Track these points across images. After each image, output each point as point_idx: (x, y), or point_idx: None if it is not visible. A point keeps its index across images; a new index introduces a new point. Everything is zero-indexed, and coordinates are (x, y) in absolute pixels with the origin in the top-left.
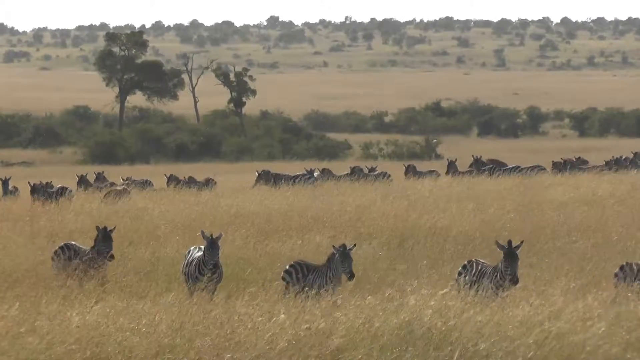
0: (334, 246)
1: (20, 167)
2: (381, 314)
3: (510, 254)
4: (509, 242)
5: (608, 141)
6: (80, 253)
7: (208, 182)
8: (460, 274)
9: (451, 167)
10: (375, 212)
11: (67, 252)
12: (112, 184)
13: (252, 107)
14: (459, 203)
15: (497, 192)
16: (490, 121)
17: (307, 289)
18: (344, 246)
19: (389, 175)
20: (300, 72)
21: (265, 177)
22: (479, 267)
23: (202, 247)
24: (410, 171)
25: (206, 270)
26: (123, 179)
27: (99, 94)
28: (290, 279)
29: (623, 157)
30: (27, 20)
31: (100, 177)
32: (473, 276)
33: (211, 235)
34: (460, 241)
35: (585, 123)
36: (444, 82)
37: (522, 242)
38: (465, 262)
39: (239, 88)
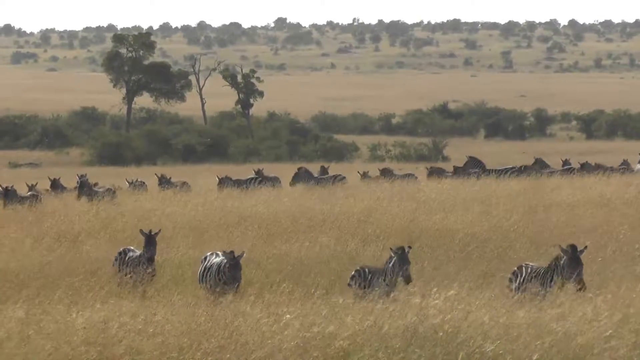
0: (391, 248)
1: (28, 168)
2: (387, 315)
3: (576, 258)
4: (574, 247)
5: (615, 143)
6: (132, 257)
7: (183, 185)
8: (511, 280)
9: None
10: (382, 214)
11: (122, 256)
12: (96, 184)
13: (259, 108)
14: (465, 205)
15: (505, 193)
16: (497, 123)
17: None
18: (402, 249)
19: (416, 177)
20: (307, 74)
21: (227, 182)
22: (529, 270)
23: (219, 252)
24: (386, 174)
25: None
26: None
27: (106, 95)
28: (354, 283)
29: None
30: (35, 21)
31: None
32: (525, 280)
33: (233, 253)
34: (467, 243)
35: (592, 125)
36: (451, 84)
37: (585, 246)
38: (515, 268)
39: (246, 89)
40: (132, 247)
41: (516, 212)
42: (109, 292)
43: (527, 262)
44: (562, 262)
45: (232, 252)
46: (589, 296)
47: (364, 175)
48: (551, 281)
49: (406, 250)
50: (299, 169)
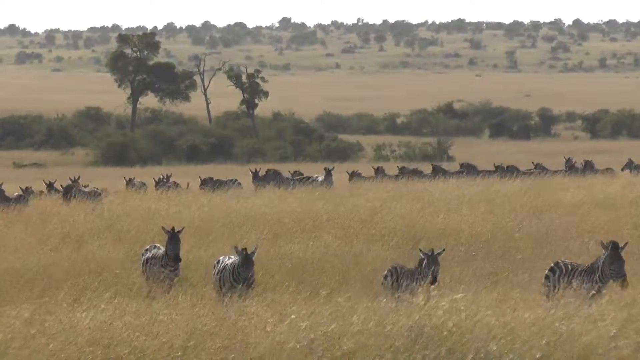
0: (420, 250)
1: (32, 168)
2: (392, 315)
3: (617, 255)
4: (615, 243)
5: (620, 143)
6: (156, 255)
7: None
8: (548, 277)
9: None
10: (386, 214)
11: (147, 254)
12: (86, 186)
13: (264, 108)
14: (470, 205)
15: (509, 193)
16: (502, 123)
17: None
18: (432, 251)
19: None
20: (312, 74)
21: (210, 183)
22: (569, 268)
23: (232, 255)
24: (355, 176)
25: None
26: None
27: (111, 96)
28: (387, 282)
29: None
30: (39, 21)
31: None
32: (563, 277)
33: (245, 250)
34: (472, 243)
35: (597, 125)
36: (456, 84)
37: (626, 243)
38: (552, 265)
39: (251, 90)
40: (157, 244)
41: (521, 212)
42: (113, 292)
43: (562, 259)
44: (602, 259)
45: (244, 249)
46: (590, 294)
47: (353, 175)
48: (600, 279)
49: (436, 253)
50: (267, 170)
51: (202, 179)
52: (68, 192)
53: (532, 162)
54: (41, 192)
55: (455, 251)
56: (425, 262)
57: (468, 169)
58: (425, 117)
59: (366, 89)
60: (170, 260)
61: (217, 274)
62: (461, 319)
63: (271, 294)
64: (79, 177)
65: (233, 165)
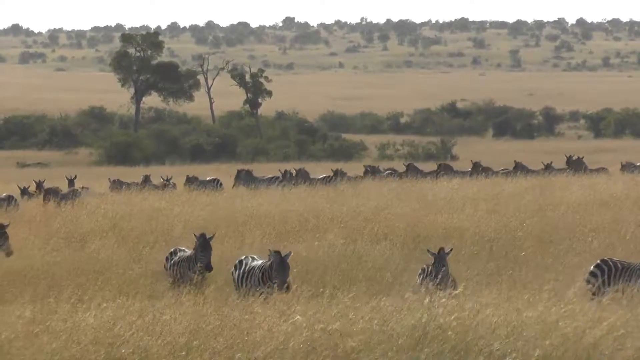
0: (428, 250)
1: (36, 168)
2: (396, 314)
3: None
4: None
5: (623, 142)
6: (182, 257)
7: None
8: (595, 275)
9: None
10: (391, 213)
11: (172, 256)
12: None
13: (267, 108)
14: (474, 204)
15: (513, 192)
16: (505, 122)
17: None
18: (442, 248)
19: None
20: (315, 73)
21: (194, 182)
22: (621, 266)
23: (254, 256)
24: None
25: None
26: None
27: (114, 95)
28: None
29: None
30: (43, 21)
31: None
32: (614, 276)
33: (279, 253)
34: (476, 242)
35: (600, 124)
36: (460, 83)
37: None
38: (599, 262)
39: (255, 89)
40: (182, 247)
41: (524, 211)
42: (117, 292)
43: (610, 257)
44: None
45: (278, 252)
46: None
47: (336, 175)
48: None
49: (444, 252)
50: (239, 171)
51: (188, 177)
52: (49, 193)
53: (542, 162)
54: (35, 191)
55: (459, 250)
56: (433, 262)
57: (445, 170)
58: (429, 116)
59: (370, 88)
60: (202, 268)
61: (244, 275)
62: (465, 317)
63: (275, 294)
64: (75, 177)
65: (237, 164)
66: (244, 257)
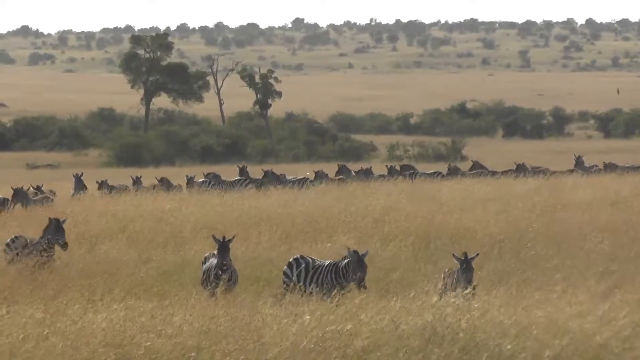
0: (454, 254)
1: (46, 169)
2: (406, 314)
3: None
4: None
5: (633, 142)
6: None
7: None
8: None
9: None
10: (400, 214)
11: (205, 262)
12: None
13: (277, 109)
14: (484, 204)
15: (523, 193)
16: (515, 122)
17: None
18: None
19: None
20: (325, 74)
21: (166, 184)
22: None
23: (310, 257)
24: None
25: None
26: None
27: (124, 96)
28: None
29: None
30: (52, 22)
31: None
32: None
33: (357, 252)
34: (486, 242)
35: (610, 124)
36: (469, 83)
37: None
38: None
39: (264, 90)
40: (214, 252)
41: (533, 211)
42: (127, 293)
43: None
44: None
45: (356, 251)
46: (604, 293)
47: (317, 177)
48: None
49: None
50: (206, 174)
51: (159, 178)
52: (18, 196)
53: (515, 163)
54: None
55: (468, 251)
56: (460, 267)
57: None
58: (439, 117)
59: (379, 88)
60: (219, 270)
61: (313, 273)
62: (474, 318)
63: (287, 295)
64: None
65: (247, 165)
66: (298, 256)
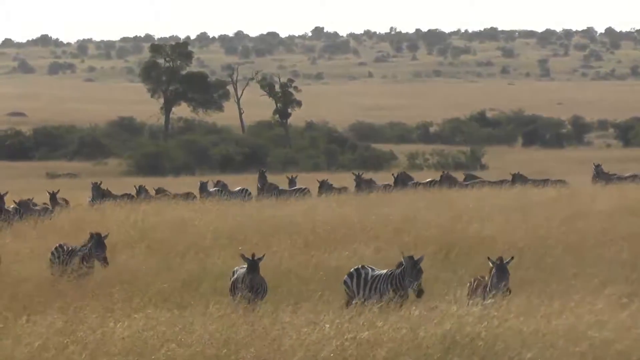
0: (489, 258)
1: (66, 178)
2: (425, 323)
3: None
4: None
5: None
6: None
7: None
8: None
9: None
10: (420, 223)
11: (232, 275)
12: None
13: (297, 118)
14: (503, 213)
15: (543, 202)
16: (534, 131)
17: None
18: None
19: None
20: (345, 83)
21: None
22: None
23: (372, 266)
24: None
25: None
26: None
27: (144, 106)
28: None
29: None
30: (72, 31)
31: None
32: None
33: (412, 257)
34: (506, 251)
35: (629, 133)
36: (489, 92)
37: None
38: None
39: (284, 99)
40: (244, 265)
41: (553, 220)
42: (147, 302)
43: None
44: None
45: (411, 256)
46: (624, 301)
47: (322, 186)
48: None
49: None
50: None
51: (156, 189)
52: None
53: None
54: (44, 203)
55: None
56: (496, 271)
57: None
58: (458, 126)
59: (399, 97)
60: (248, 289)
61: (365, 283)
62: (494, 326)
63: (305, 303)
64: (58, 191)
65: (266, 174)
66: (359, 266)
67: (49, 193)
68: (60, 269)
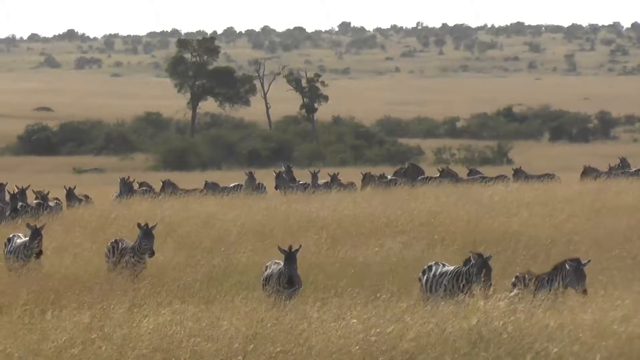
0: (567, 261)
1: (92, 173)
2: (452, 318)
3: None
4: None
5: None
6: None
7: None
8: None
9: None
10: (446, 217)
11: (268, 270)
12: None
13: (324, 113)
14: (529, 208)
15: (568, 197)
16: (561, 126)
17: None
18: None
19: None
20: (371, 78)
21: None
22: None
23: (443, 262)
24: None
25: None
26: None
27: (170, 101)
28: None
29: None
30: (98, 26)
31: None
32: None
33: (481, 255)
34: (532, 246)
35: None
36: (515, 87)
37: None
38: None
39: (311, 94)
40: (277, 260)
41: (579, 215)
42: (173, 297)
43: None
44: None
45: (480, 254)
46: None
47: (332, 181)
48: None
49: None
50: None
51: (163, 182)
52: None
53: (609, 164)
54: (55, 198)
55: (515, 255)
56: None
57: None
58: (485, 121)
59: (426, 92)
60: (285, 282)
61: (433, 279)
62: (520, 321)
63: (332, 298)
64: (74, 187)
65: (293, 169)
66: (433, 263)
67: (66, 189)
68: (113, 265)
